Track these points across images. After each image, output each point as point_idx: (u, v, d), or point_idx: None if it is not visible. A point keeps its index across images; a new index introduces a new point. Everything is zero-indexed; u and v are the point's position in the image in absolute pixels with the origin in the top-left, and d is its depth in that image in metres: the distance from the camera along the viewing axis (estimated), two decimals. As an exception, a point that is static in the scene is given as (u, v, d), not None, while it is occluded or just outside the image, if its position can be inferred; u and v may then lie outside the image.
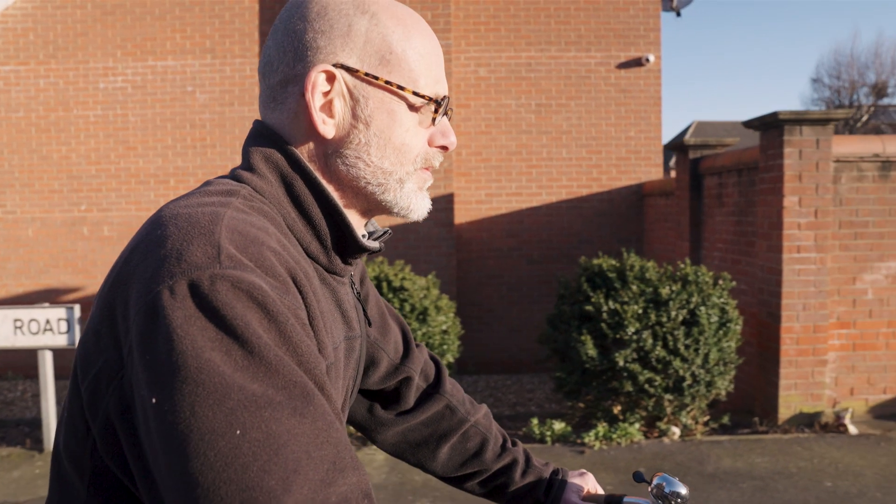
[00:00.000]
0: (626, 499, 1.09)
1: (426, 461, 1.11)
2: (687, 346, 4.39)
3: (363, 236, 0.86)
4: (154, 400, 0.54)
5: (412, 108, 0.76)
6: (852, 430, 4.60)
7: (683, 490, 1.05)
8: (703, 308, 4.41)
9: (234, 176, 0.75)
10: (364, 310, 0.93)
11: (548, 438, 4.52)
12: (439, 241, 6.86)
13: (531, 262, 7.33)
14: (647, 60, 7.48)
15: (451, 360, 4.78)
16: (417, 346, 1.13)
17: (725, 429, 4.77)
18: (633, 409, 4.60)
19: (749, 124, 4.85)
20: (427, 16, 6.80)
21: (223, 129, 7.23)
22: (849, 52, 27.85)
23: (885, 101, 22.49)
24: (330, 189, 0.77)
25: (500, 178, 7.40)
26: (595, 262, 4.72)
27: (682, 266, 4.61)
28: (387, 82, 0.74)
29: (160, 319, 0.55)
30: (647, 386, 4.40)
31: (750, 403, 5.10)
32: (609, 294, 4.48)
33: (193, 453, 0.52)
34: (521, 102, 7.39)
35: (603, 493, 1.14)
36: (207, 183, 0.74)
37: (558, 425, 4.57)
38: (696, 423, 4.71)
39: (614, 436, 4.45)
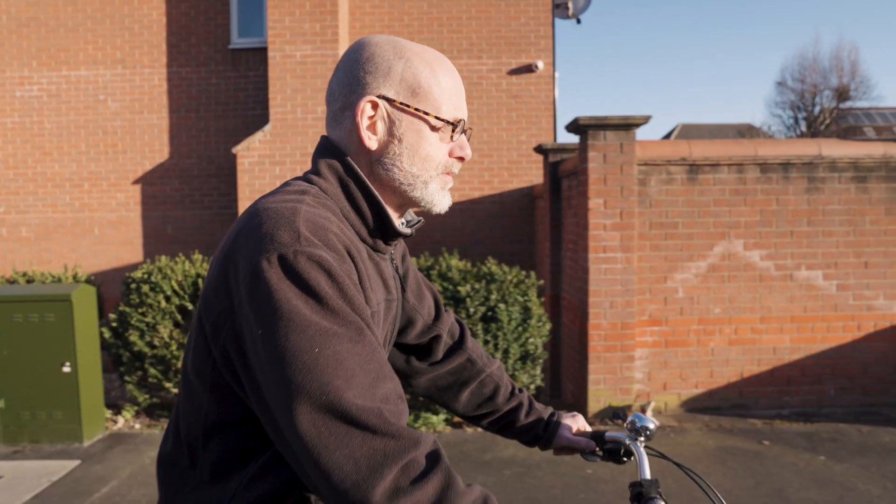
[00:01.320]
0: (607, 434, 1.38)
1: (450, 402, 1.41)
2: (486, 342, 4.63)
3: (401, 224, 1.12)
4: (260, 332, 0.83)
5: (434, 128, 1.03)
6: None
7: (652, 425, 1.32)
8: (502, 305, 4.65)
9: (306, 178, 1.03)
10: (401, 280, 1.21)
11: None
12: (329, 242, 7.16)
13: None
14: (537, 67, 7.69)
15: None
16: (446, 311, 1.40)
17: (539, 421, 4.99)
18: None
19: (568, 129, 5.07)
20: (316, 27, 7.14)
21: (133, 135, 7.65)
22: (812, 56, 27.58)
23: (848, 104, 22.23)
24: (374, 188, 1.03)
25: (396, 182, 7.68)
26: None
27: (486, 265, 4.85)
28: (416, 109, 1.01)
29: (261, 279, 0.84)
30: (451, 378, 4.64)
31: (567, 397, 5.31)
32: (415, 291, 4.73)
33: (288, 364, 0.81)
34: (415, 108, 7.60)
35: (590, 430, 1.45)
36: (287, 183, 1.02)
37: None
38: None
39: (417, 424, 4.71)
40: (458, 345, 1.40)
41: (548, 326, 4.88)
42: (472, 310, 4.63)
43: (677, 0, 75.86)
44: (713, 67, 79.60)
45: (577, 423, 1.42)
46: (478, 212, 7.60)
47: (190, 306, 4.83)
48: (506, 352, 4.68)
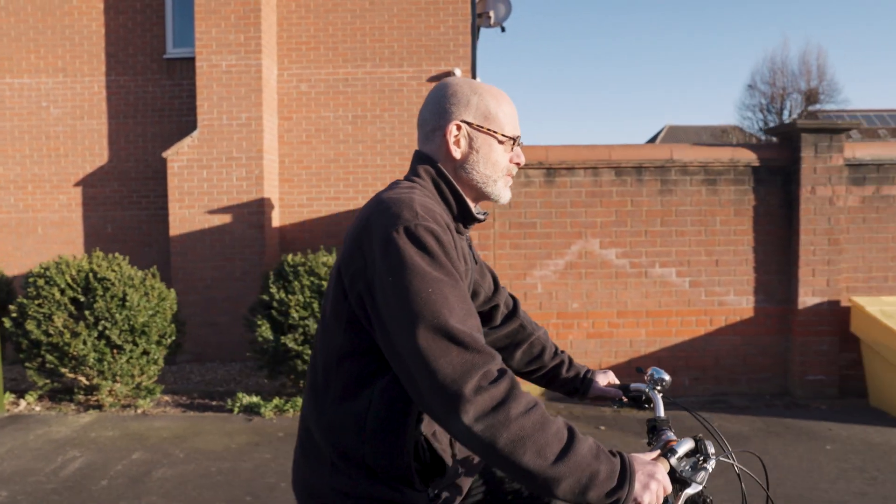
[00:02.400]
0: (632, 385, 1.72)
1: (506, 360, 1.75)
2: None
3: (476, 213, 1.47)
4: (390, 279, 1.17)
5: (500, 142, 1.42)
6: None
7: (667, 377, 1.67)
8: (364, 298, 4.99)
9: (409, 179, 1.42)
10: (473, 256, 1.57)
11: (235, 409, 5.16)
12: (252, 241, 7.55)
13: (350, 261, 7.95)
14: (456, 74, 8.02)
15: (169, 341, 5.47)
16: (502, 286, 1.77)
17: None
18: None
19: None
20: (241, 38, 7.54)
21: (75, 140, 8.09)
22: (781, 59, 27.64)
23: (817, 106, 22.29)
24: (458, 186, 1.41)
25: (321, 184, 8.07)
26: (284, 257, 5.34)
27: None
28: (488, 129, 1.41)
29: (392, 244, 1.19)
30: (318, 366, 5.00)
31: None
32: (284, 286, 5.10)
33: (410, 299, 1.15)
34: (338, 115, 8.02)
35: (618, 382, 1.78)
36: (396, 183, 1.41)
37: (246, 399, 5.21)
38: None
39: (286, 407, 5.07)
40: (512, 314, 1.75)
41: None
42: (335, 302, 4.98)
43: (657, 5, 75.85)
44: (703, 69, 79.40)
45: (607, 377, 1.78)
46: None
47: (83, 298, 5.23)
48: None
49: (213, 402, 5.52)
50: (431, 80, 8.12)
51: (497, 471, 1.57)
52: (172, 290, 5.73)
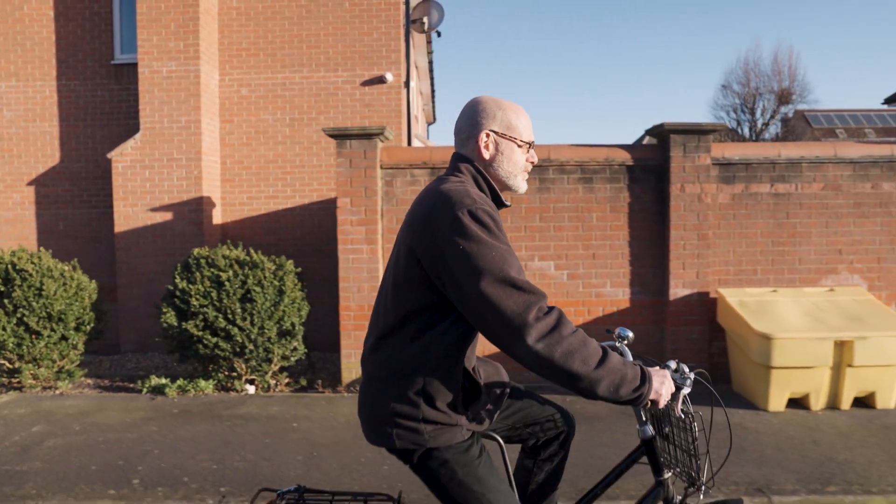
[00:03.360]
0: (604, 343, 2.06)
1: None
2: (244, 319, 5.38)
3: (504, 200, 1.92)
4: (461, 247, 1.59)
5: (518, 146, 1.86)
6: (390, 392, 5.48)
7: (630, 333, 2.16)
8: (258, 288, 5.39)
9: (454, 175, 1.83)
10: None
11: (144, 389, 5.57)
12: (191, 237, 7.97)
13: (288, 257, 8.34)
14: (387, 79, 8.40)
15: (88, 329, 5.89)
16: None
17: (304, 388, 5.72)
18: (217, 368, 5.60)
19: (328, 133, 5.79)
20: (180, 45, 7.97)
21: (28, 141, 8.56)
22: (754, 60, 27.85)
23: (789, 107, 22.48)
24: (490, 179, 1.85)
25: (260, 184, 8.48)
26: (192, 251, 5.74)
27: (253, 255, 5.60)
28: (510, 136, 1.84)
29: (459, 222, 1.61)
30: (217, 350, 5.41)
31: (326, 368, 6.02)
32: (187, 277, 5.50)
33: (478, 260, 1.59)
34: (277, 118, 8.41)
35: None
36: (443, 179, 1.81)
37: (155, 381, 5.62)
38: (278, 383, 5.68)
39: (188, 387, 5.47)
40: None
41: (306, 308, 5.61)
42: (231, 291, 5.38)
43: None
44: (690, 70, 79.58)
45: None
46: (334, 210, 8.32)
47: (2, 288, 5.65)
48: (261, 328, 5.42)
49: (130, 385, 5.93)
50: (365, 84, 8.50)
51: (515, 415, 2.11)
52: (94, 281, 6.14)
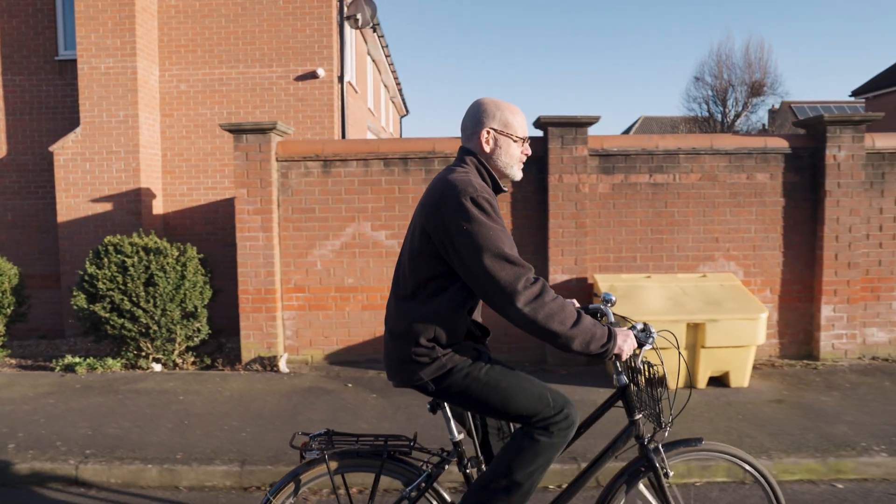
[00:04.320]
0: (590, 306, 2.57)
1: None
2: (147, 302, 5.74)
3: (503, 187, 2.22)
4: (465, 227, 1.97)
5: (515, 141, 2.18)
6: (283, 368, 5.84)
7: (614, 297, 2.53)
8: (160, 273, 5.74)
9: (460, 166, 2.16)
10: None
11: (57, 367, 5.95)
12: (130, 227, 8.34)
13: (225, 245, 8.71)
14: (318, 74, 8.70)
15: (10, 313, 6.26)
16: None
17: (207, 367, 6.08)
18: (126, 348, 5.97)
19: (224, 128, 6.12)
20: (117, 43, 8.30)
21: (-22, 134, 8.95)
22: (726, 52, 27.95)
23: (760, 99, 22.60)
24: (491, 169, 2.16)
25: (199, 175, 8.83)
26: (106, 239, 6.10)
27: (157, 242, 5.95)
28: (506, 133, 2.16)
29: (463, 206, 1.98)
30: (123, 331, 5.78)
31: (228, 347, 6.37)
32: (96, 262, 5.87)
33: (478, 238, 1.96)
34: (215, 112, 8.75)
35: (578, 305, 2.46)
36: (451, 169, 2.15)
37: (69, 359, 5.99)
38: (185, 361, 6.05)
39: (97, 365, 5.85)
40: None
41: (209, 292, 5.96)
42: (135, 276, 5.74)
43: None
44: (680, 62, 79.62)
45: (574, 303, 2.45)
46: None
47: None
48: (164, 310, 5.78)
49: (49, 364, 6.32)
50: (298, 78, 8.81)
51: None
52: (15, 267, 6.52)
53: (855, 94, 21.35)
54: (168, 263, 5.78)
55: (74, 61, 8.81)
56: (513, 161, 2.18)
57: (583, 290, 5.91)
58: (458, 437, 2.29)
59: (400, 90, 19.90)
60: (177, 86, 8.88)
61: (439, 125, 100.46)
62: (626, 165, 5.98)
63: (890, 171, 6.04)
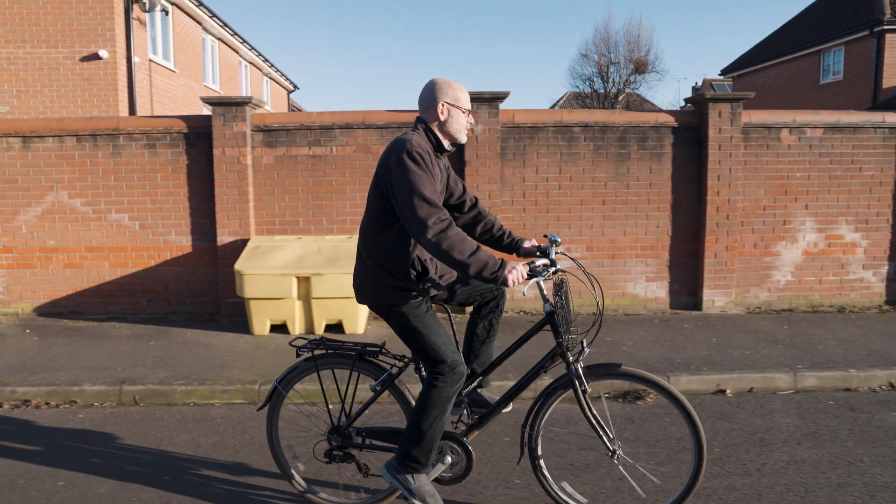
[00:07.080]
0: (541, 245, 2.96)
1: (470, 232, 3.03)
2: None
3: (447, 147, 2.79)
4: (400, 175, 2.54)
5: (463, 112, 2.76)
6: (-13, 320, 6.77)
7: (559, 238, 2.98)
8: None
9: (415, 130, 2.74)
10: (448, 172, 2.90)
11: None
12: None
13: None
14: (101, 55, 9.40)
15: None
16: (468, 191, 3.01)
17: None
18: None
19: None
20: None
21: None
22: (607, 30, 28.38)
23: (643, 76, 23.13)
24: (440, 135, 2.75)
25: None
26: None
27: None
28: (456, 106, 2.75)
29: (400, 159, 2.57)
30: None
31: None
32: None
33: (408, 183, 2.52)
34: (4, 90, 9.47)
35: (534, 245, 2.98)
36: (407, 132, 2.69)
37: None
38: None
39: None
40: (474, 206, 3.04)
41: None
42: None
43: None
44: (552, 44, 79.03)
45: (531, 242, 3.02)
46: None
47: None
48: None
49: None
50: (83, 59, 9.52)
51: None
52: None
53: (724, 72, 21.89)
54: None
55: None
56: (461, 128, 2.72)
57: (250, 249, 6.79)
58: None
59: (275, 68, 20.18)
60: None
61: (339, 97, 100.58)
62: (287, 140, 6.80)
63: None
